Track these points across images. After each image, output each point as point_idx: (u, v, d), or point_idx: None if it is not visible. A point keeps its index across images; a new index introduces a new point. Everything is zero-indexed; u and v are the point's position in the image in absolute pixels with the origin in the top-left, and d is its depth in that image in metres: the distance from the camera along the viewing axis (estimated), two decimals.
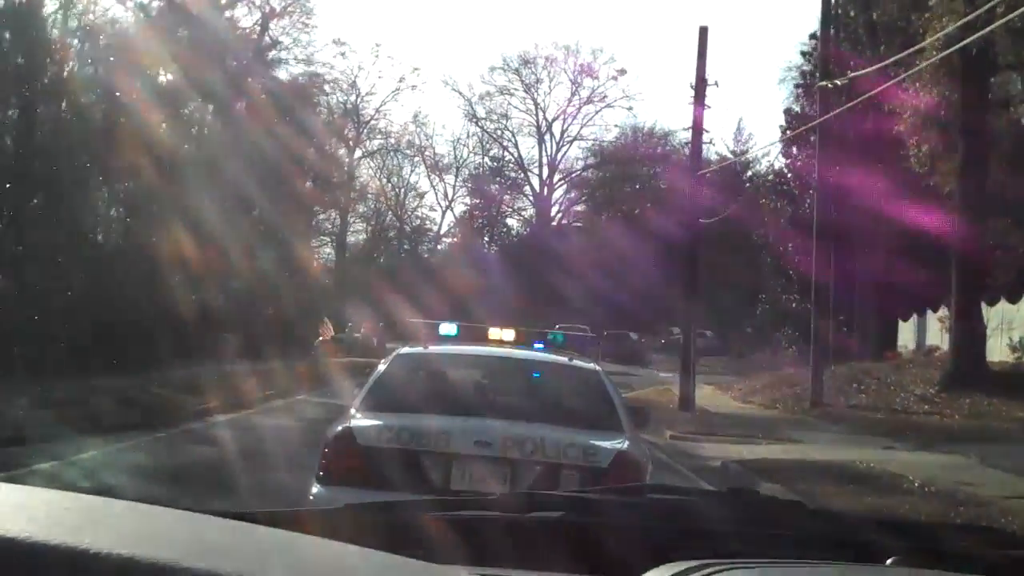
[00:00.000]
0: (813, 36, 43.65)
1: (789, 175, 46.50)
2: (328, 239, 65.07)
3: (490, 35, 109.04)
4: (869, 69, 19.01)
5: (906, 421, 18.94)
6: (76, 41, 31.71)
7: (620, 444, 6.02)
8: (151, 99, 33.43)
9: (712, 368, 43.52)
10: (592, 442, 5.94)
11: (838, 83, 19.88)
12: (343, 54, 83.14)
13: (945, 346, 28.22)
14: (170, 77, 34.50)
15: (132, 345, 25.23)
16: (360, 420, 6.22)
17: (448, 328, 7.69)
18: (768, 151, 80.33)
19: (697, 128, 24.03)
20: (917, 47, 19.60)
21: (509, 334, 7.73)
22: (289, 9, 37.52)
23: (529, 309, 48.71)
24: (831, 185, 24.38)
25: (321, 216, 66.15)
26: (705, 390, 30.27)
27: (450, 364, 7.31)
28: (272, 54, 37.17)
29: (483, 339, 7.75)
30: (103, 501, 1.38)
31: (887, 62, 19.00)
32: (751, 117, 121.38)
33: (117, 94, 31.25)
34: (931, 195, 24.75)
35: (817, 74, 23.56)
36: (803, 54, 43.60)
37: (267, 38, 37.07)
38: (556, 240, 69.68)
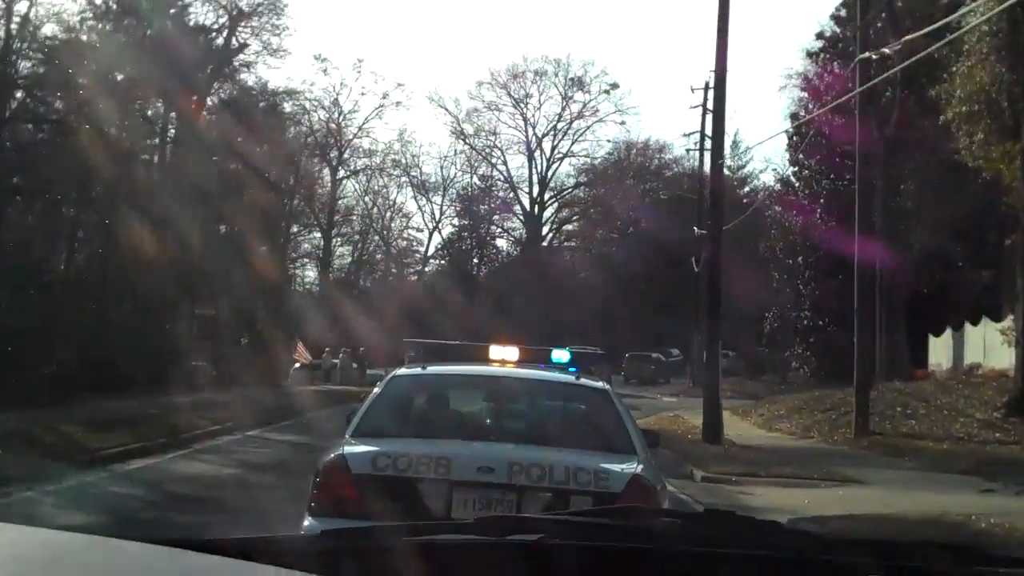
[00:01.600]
0: (835, 16, 41.21)
1: (798, 184, 43.57)
2: (308, 261, 61.88)
3: (477, 49, 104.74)
4: (917, 33, 16.04)
5: (982, 453, 15.79)
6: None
7: (633, 468, 5.61)
8: (108, 114, 30.45)
9: (724, 390, 40.40)
10: (603, 466, 5.59)
11: (886, 51, 16.91)
12: (324, 71, 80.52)
13: (990, 363, 25.21)
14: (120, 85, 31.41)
15: (87, 374, 22.48)
16: (354, 446, 5.82)
17: (447, 348, 7.46)
18: (766, 165, 76.83)
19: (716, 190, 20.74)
20: (964, 10, 16.77)
21: (512, 352, 7.14)
22: (259, 9, 34.40)
23: (522, 331, 45.40)
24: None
25: (301, 238, 63.24)
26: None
27: (450, 385, 6.96)
28: (240, 58, 34.08)
29: (484, 358, 7.24)
30: (70, 537, 1.44)
31: (936, 25, 16.10)
32: (746, 128, 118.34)
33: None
34: (985, 185, 21.78)
35: (849, 52, 20.45)
36: (834, 18, 40.66)
37: (234, 41, 33.98)
38: (548, 260, 66.75)
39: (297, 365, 37.70)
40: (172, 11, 31.42)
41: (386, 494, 5.24)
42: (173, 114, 34.44)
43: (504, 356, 7.12)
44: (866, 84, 17.61)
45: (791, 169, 46.54)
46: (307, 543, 1.93)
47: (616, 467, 5.59)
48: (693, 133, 46.09)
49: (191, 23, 33.36)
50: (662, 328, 50.81)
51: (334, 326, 45.00)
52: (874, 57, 17.29)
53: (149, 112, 33.19)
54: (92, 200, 29.73)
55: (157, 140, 33.48)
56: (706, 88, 43.50)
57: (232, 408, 20.09)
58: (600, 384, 6.81)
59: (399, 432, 6.12)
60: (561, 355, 7.32)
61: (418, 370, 6.86)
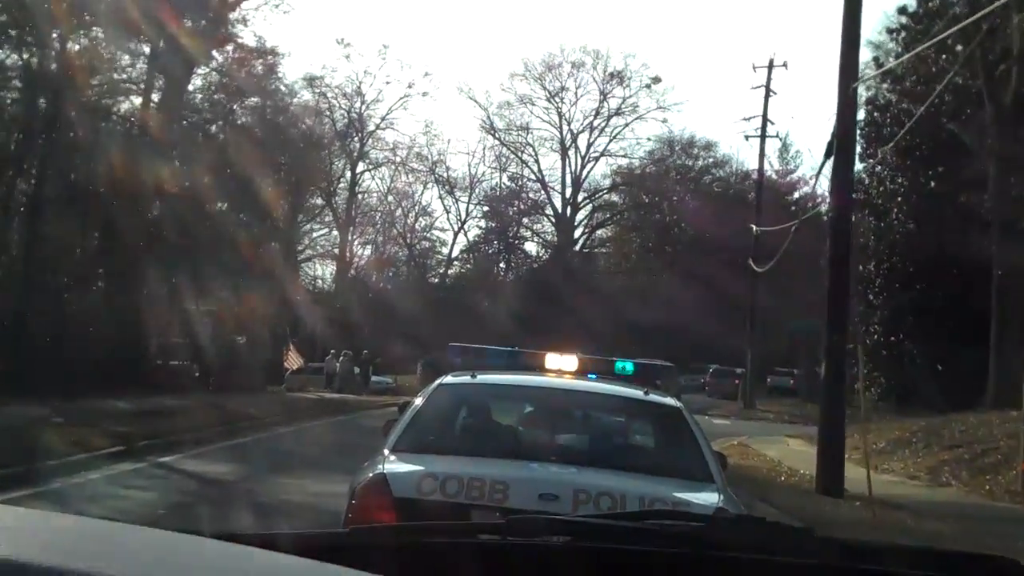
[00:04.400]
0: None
1: (868, 181, 38.44)
2: (317, 259, 57.51)
3: (511, 38, 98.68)
4: None
5: None
6: None
7: (715, 498, 4.91)
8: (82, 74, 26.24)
9: (780, 412, 35.42)
10: (681, 495, 4.93)
11: None
12: (347, 56, 76.45)
13: None
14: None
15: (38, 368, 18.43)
16: (395, 464, 5.07)
17: (498, 354, 6.96)
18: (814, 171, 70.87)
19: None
20: None
21: (570, 362, 6.55)
22: None
23: (552, 339, 40.55)
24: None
25: (316, 233, 58.98)
26: (792, 446, 22.19)
27: (503, 396, 6.38)
28: (235, 14, 29.56)
29: (539, 367, 6.65)
30: (115, 526, 1.43)
31: None
32: (795, 130, 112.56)
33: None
34: None
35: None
36: None
37: None
38: (581, 264, 61.95)
39: (291, 369, 33.20)
40: None
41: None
42: (160, 78, 29.93)
43: (561, 366, 6.55)
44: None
45: (860, 165, 41.32)
46: (332, 539, 1.92)
47: (695, 497, 4.94)
48: (753, 117, 41.06)
49: None
50: (707, 340, 45.78)
51: (343, 328, 40.51)
52: None
53: (130, 69, 28.70)
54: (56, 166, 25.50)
55: (139, 101, 28.96)
56: (770, 66, 38.75)
57: (182, 419, 15.59)
58: (671, 401, 6.03)
59: (446, 448, 5.45)
60: (625, 366, 6.88)
61: (467, 378, 6.10)
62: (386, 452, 5.23)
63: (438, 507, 4.61)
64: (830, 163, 14.31)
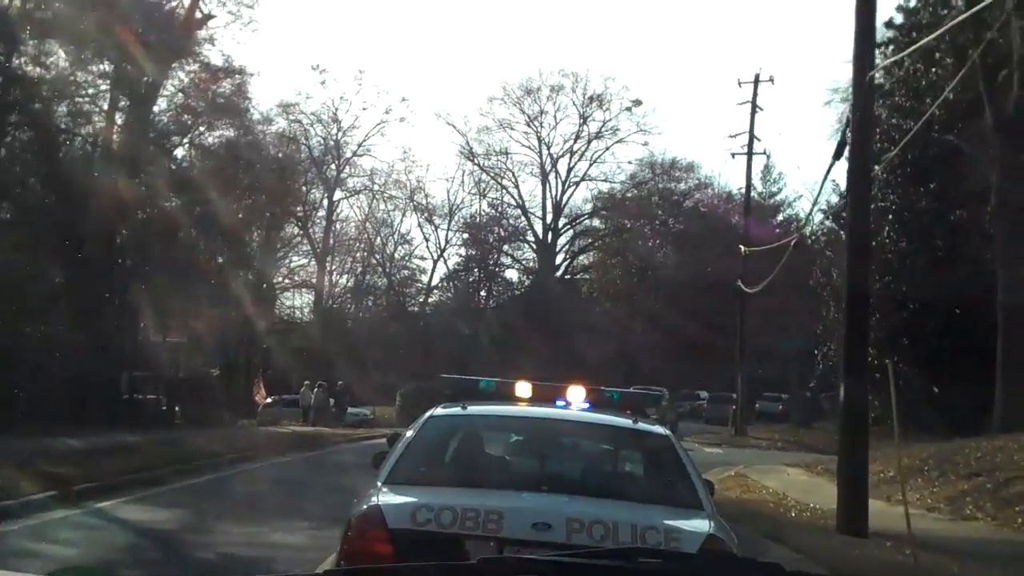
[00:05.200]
0: (903, 7, 35.44)
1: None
2: (294, 289, 56.10)
3: (489, 62, 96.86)
4: None
5: None
6: None
7: (706, 526, 4.95)
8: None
9: (772, 439, 34.15)
10: (673, 523, 4.94)
11: None
12: (323, 82, 75.34)
13: None
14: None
15: None
16: (389, 496, 5.08)
17: (488, 385, 6.59)
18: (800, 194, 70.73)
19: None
20: None
21: (559, 391, 6.40)
22: None
23: (535, 368, 39.24)
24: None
25: (294, 264, 57.61)
26: (793, 476, 20.90)
27: (494, 427, 6.42)
28: (203, 32, 28.34)
29: (528, 398, 6.44)
30: None
31: None
32: (779, 152, 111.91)
33: None
34: None
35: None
36: (902, 9, 34.97)
37: (198, 12, 28.29)
38: (563, 291, 60.72)
39: (266, 402, 31.72)
40: None
41: (426, 552, 4.29)
42: (123, 100, 28.67)
43: (550, 396, 6.43)
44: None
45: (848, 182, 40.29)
46: None
47: (687, 525, 4.97)
48: (740, 134, 40.05)
49: None
50: (695, 366, 44.57)
51: (321, 359, 39.12)
52: None
53: (92, 90, 27.46)
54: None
55: (103, 123, 27.68)
56: (756, 81, 37.84)
57: (135, 457, 14.15)
58: (660, 429, 6.15)
59: (439, 480, 5.44)
60: (612, 395, 6.72)
61: (458, 410, 6.09)
62: (379, 484, 5.22)
63: (432, 537, 4.66)
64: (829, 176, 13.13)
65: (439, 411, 6.08)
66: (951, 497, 14.99)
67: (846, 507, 11.54)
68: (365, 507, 4.97)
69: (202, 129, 28.71)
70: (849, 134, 12.63)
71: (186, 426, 23.90)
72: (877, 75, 14.88)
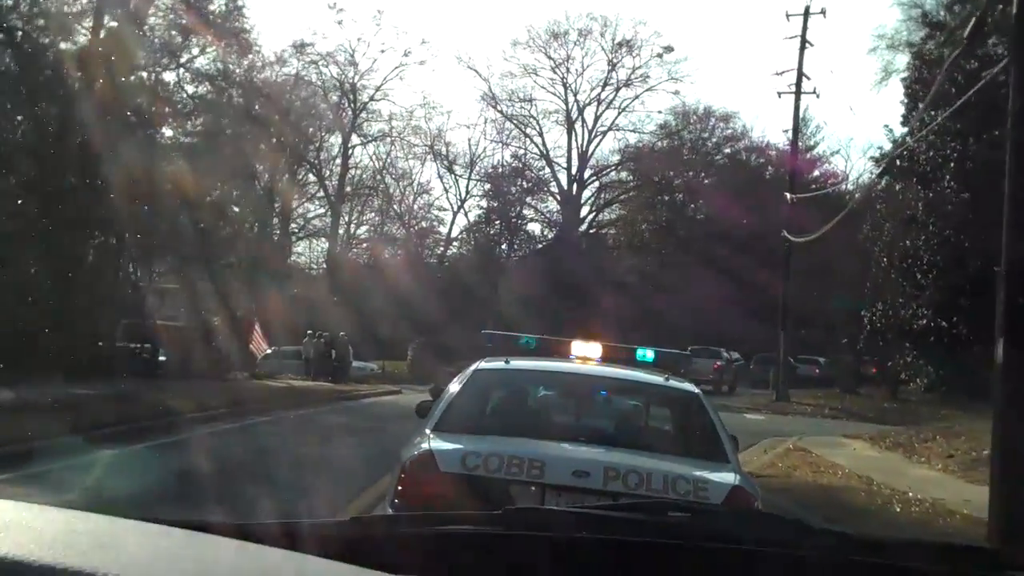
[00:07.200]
0: None
1: (916, 146, 34.28)
2: (306, 236, 53.53)
3: (513, 4, 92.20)
4: None
5: None
6: None
7: (732, 478, 5.30)
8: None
9: (817, 405, 31.34)
10: (701, 474, 5.29)
11: None
12: (339, 22, 72.30)
13: None
14: None
15: None
16: (440, 442, 5.43)
17: (526, 342, 7.29)
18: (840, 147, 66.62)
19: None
20: None
21: (595, 349, 7.10)
22: None
23: (558, 324, 36.42)
24: None
25: (311, 212, 55.12)
26: (860, 451, 18.01)
27: (535, 381, 6.82)
28: None
29: (565, 354, 7.16)
30: (110, 521, 1.37)
31: None
32: (816, 106, 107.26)
33: None
34: None
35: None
36: None
37: None
38: (591, 246, 57.84)
39: (264, 352, 29.21)
40: None
41: (475, 495, 4.90)
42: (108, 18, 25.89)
43: (586, 353, 7.00)
44: None
45: (902, 131, 37.04)
46: (334, 529, 1.87)
47: (714, 477, 5.29)
48: (787, 71, 36.69)
49: None
50: (729, 326, 41.66)
51: (327, 311, 36.51)
52: None
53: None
54: None
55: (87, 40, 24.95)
56: (806, 14, 34.47)
57: (63, 416, 11.39)
58: (690, 386, 6.52)
59: (483, 429, 5.79)
60: (646, 354, 7.16)
61: (501, 364, 6.53)
62: (427, 431, 5.57)
63: (480, 481, 4.98)
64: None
65: (483, 364, 6.45)
66: None
67: (1002, 514, 8.55)
68: (417, 452, 5.28)
69: (195, 52, 25.85)
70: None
71: (166, 377, 21.36)
72: None
